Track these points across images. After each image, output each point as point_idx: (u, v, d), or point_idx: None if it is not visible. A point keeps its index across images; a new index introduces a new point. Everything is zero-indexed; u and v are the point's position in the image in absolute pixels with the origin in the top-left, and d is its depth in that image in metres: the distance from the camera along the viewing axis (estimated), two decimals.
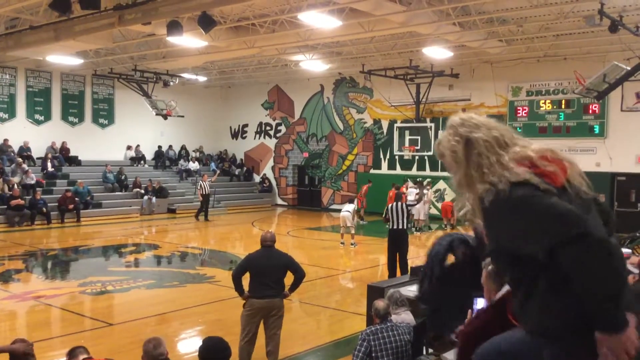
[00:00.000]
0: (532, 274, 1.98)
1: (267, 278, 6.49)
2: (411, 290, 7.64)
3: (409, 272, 10.80)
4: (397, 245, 11.21)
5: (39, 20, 14.61)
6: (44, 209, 20.02)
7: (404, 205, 11.24)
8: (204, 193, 22.02)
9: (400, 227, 11.17)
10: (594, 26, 14.18)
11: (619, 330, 1.82)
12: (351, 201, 16.69)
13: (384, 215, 11.74)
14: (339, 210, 25.08)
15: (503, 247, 2.05)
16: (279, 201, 28.21)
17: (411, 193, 19.24)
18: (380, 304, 5.45)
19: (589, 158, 19.37)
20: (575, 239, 1.81)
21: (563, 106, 19.90)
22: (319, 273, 12.63)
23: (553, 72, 19.76)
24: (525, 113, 20.69)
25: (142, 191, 23.62)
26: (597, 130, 19.25)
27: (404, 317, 5.99)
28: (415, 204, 18.41)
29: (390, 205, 11.46)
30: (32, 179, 20.99)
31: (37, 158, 22.94)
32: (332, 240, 17.93)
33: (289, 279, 6.84)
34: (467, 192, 2.12)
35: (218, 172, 26.01)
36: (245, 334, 6.48)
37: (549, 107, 20.18)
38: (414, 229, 19.00)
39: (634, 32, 13.73)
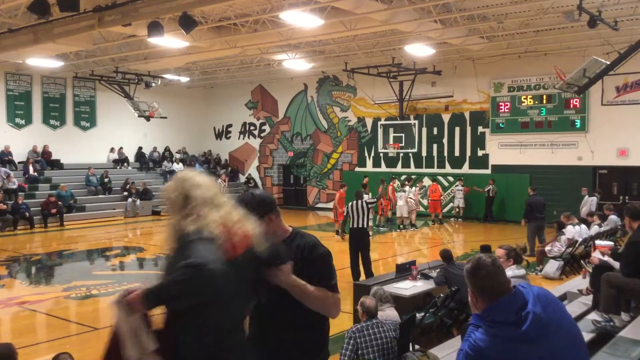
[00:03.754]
0: None
1: None
2: (397, 287, 7.70)
3: (372, 271, 10.85)
4: (358, 244, 10.90)
5: (18, 23, 14.43)
6: (27, 214, 19.80)
7: (364, 203, 11.10)
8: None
9: (361, 225, 10.87)
10: (573, 21, 14.28)
11: None
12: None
13: (344, 214, 11.56)
14: (325, 209, 25.21)
15: None
16: None
17: (401, 197, 19.20)
18: (370, 302, 5.48)
19: (571, 152, 19.61)
20: (186, 265, 2.37)
21: (544, 101, 20.09)
22: None
23: (534, 67, 19.94)
24: (507, 109, 20.85)
25: (126, 193, 23.47)
26: (578, 124, 19.45)
27: (389, 313, 6.03)
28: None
29: (350, 203, 11.27)
30: (14, 183, 20.75)
31: (19, 162, 22.67)
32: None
33: None
34: (173, 233, 2.63)
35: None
36: None
37: (530, 102, 20.36)
38: (401, 226, 19.07)
39: (613, 27, 13.88)
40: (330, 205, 25.28)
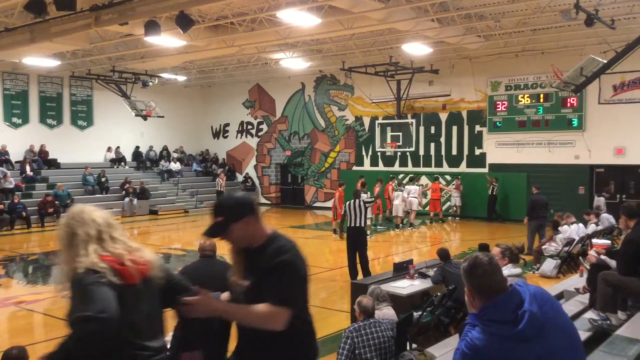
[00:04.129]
0: None
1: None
2: (394, 286, 7.70)
3: (369, 270, 10.87)
4: (356, 243, 10.91)
5: (14, 22, 14.39)
6: (24, 213, 19.77)
7: (362, 202, 11.11)
8: (219, 190, 23.57)
9: (358, 224, 10.88)
10: (570, 20, 14.32)
11: None
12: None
13: (342, 213, 11.59)
14: (323, 208, 25.21)
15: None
16: (262, 200, 28.14)
17: (397, 196, 19.18)
18: (367, 301, 5.47)
19: (568, 151, 19.64)
20: (83, 319, 2.37)
21: (541, 100, 20.11)
22: None
23: (531, 66, 19.96)
24: (504, 107, 20.87)
25: (123, 193, 23.45)
26: (575, 123, 19.48)
27: (386, 312, 6.03)
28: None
29: (348, 202, 11.28)
30: (10, 183, 20.71)
31: (16, 162, 22.62)
32: (315, 238, 17.94)
33: None
34: (65, 272, 2.65)
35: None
36: None
37: (527, 101, 20.38)
38: (400, 225, 19.06)
39: (610, 26, 13.91)
40: (328, 204, 25.36)
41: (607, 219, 13.31)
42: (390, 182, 20.52)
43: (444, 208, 21.51)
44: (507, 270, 5.72)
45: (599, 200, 16.60)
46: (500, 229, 18.82)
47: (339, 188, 18.53)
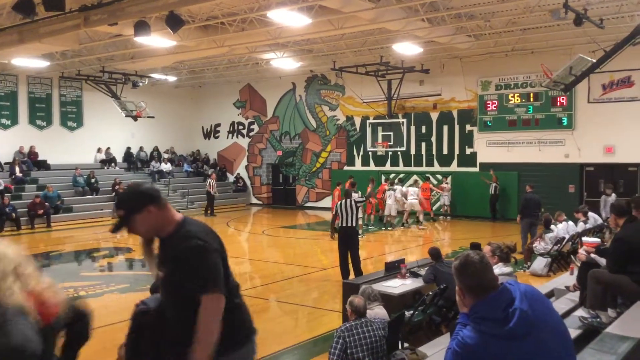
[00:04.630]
0: None
1: None
2: (386, 286, 7.71)
3: (361, 270, 10.89)
4: (347, 243, 10.88)
5: (3, 23, 14.29)
6: (13, 215, 19.63)
7: (353, 202, 11.13)
8: (209, 191, 23.47)
9: (350, 224, 10.84)
10: (559, 20, 14.41)
11: None
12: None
13: (333, 213, 11.59)
14: (314, 208, 25.21)
15: None
16: (254, 200, 28.12)
17: (390, 196, 19.13)
18: (358, 301, 5.47)
19: (558, 150, 19.75)
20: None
21: (531, 99, 20.21)
22: (294, 271, 12.63)
23: (521, 65, 20.05)
24: (495, 107, 20.96)
25: (114, 194, 23.34)
26: (565, 122, 19.59)
27: (377, 311, 6.03)
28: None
29: (339, 202, 11.27)
30: (0, 184, 20.56)
31: (5, 163, 22.48)
32: (307, 238, 17.94)
33: None
34: None
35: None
36: None
37: (517, 100, 20.48)
38: (386, 226, 19.08)
39: (599, 25, 13.99)
40: (320, 204, 25.37)
41: (595, 217, 13.37)
42: (384, 183, 20.47)
43: (434, 208, 21.56)
44: (498, 269, 5.74)
45: (608, 200, 16.11)
46: (492, 228, 18.89)
47: (337, 187, 18.69)
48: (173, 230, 2.98)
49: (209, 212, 23.58)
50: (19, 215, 19.78)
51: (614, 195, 15.85)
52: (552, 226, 12.25)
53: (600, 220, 13.24)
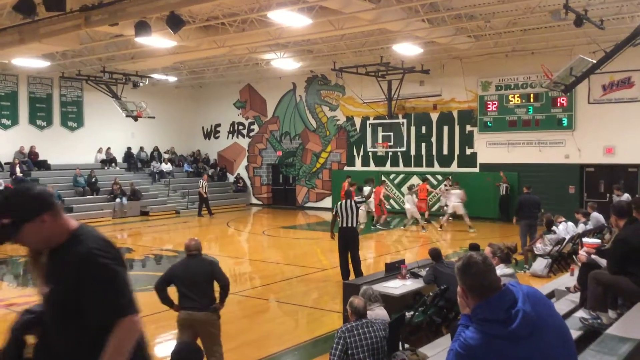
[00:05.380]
0: None
1: (189, 289, 5.97)
2: (386, 286, 7.71)
3: (361, 270, 10.89)
4: (348, 243, 10.90)
5: (3, 23, 14.30)
6: None
7: (353, 202, 11.13)
8: (201, 192, 23.51)
9: (350, 224, 10.86)
10: (559, 20, 14.41)
11: None
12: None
13: (333, 213, 11.59)
14: (314, 209, 25.20)
15: None
16: (254, 200, 28.12)
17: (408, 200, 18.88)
18: (358, 302, 5.47)
19: (558, 150, 19.75)
20: None
21: (532, 100, 20.21)
22: (295, 272, 12.63)
23: (521, 66, 20.06)
24: (495, 107, 20.96)
25: (114, 194, 23.35)
26: (565, 122, 19.59)
27: (378, 312, 6.03)
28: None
29: (339, 202, 11.23)
30: (0, 184, 20.57)
31: (5, 163, 22.48)
32: (307, 239, 17.95)
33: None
34: None
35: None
36: None
37: (518, 101, 20.48)
38: (376, 225, 19.03)
39: (599, 26, 13.99)
40: (320, 204, 25.37)
41: (597, 218, 13.34)
42: (382, 185, 20.32)
43: (434, 209, 21.53)
44: (500, 270, 5.75)
45: (621, 201, 15.80)
46: (494, 229, 18.88)
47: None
48: (66, 240, 2.59)
49: (204, 212, 23.66)
50: None
51: (626, 195, 15.44)
52: (554, 227, 12.24)
53: (602, 221, 13.21)
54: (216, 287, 6.21)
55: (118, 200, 23.09)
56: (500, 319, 2.57)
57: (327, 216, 20.98)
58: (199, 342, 5.84)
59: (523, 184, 17.77)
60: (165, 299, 6.15)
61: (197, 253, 6.24)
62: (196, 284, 6.02)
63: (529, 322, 2.55)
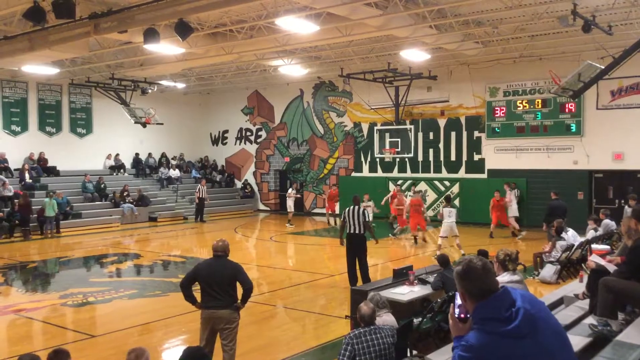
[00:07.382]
0: None
1: (213, 288, 6.23)
2: (394, 293, 7.69)
3: (369, 276, 10.86)
4: (355, 249, 10.90)
5: (13, 30, 14.42)
6: (16, 221, 19.70)
7: (361, 209, 11.11)
8: (200, 197, 23.62)
9: (357, 231, 10.87)
10: (567, 26, 14.40)
11: None
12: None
13: (342, 219, 11.58)
14: (322, 214, 25.17)
15: None
16: (261, 206, 28.15)
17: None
18: (365, 309, 5.46)
19: (567, 156, 19.66)
20: None
21: (540, 106, 20.15)
22: (302, 278, 12.63)
23: (529, 72, 20.02)
24: (502, 113, 20.91)
25: (121, 200, 23.44)
26: (574, 128, 19.52)
27: (385, 318, 6.02)
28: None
29: (347, 209, 11.21)
30: (9, 190, 20.69)
31: (15, 169, 22.62)
32: (314, 245, 17.93)
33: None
34: None
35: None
36: (202, 345, 6.29)
37: (526, 106, 20.43)
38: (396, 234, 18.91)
39: (607, 32, 13.96)
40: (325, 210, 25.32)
41: (609, 224, 13.24)
42: (395, 190, 19.78)
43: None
44: (508, 276, 5.72)
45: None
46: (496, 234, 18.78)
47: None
48: None
49: (198, 218, 23.84)
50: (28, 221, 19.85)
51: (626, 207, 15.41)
52: (563, 234, 12.18)
53: (613, 227, 13.12)
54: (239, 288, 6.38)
55: (126, 206, 23.19)
56: (502, 317, 2.58)
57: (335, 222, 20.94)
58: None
59: (531, 190, 17.78)
60: (189, 297, 6.38)
61: (223, 254, 6.45)
62: (219, 285, 6.26)
63: (529, 319, 2.57)
